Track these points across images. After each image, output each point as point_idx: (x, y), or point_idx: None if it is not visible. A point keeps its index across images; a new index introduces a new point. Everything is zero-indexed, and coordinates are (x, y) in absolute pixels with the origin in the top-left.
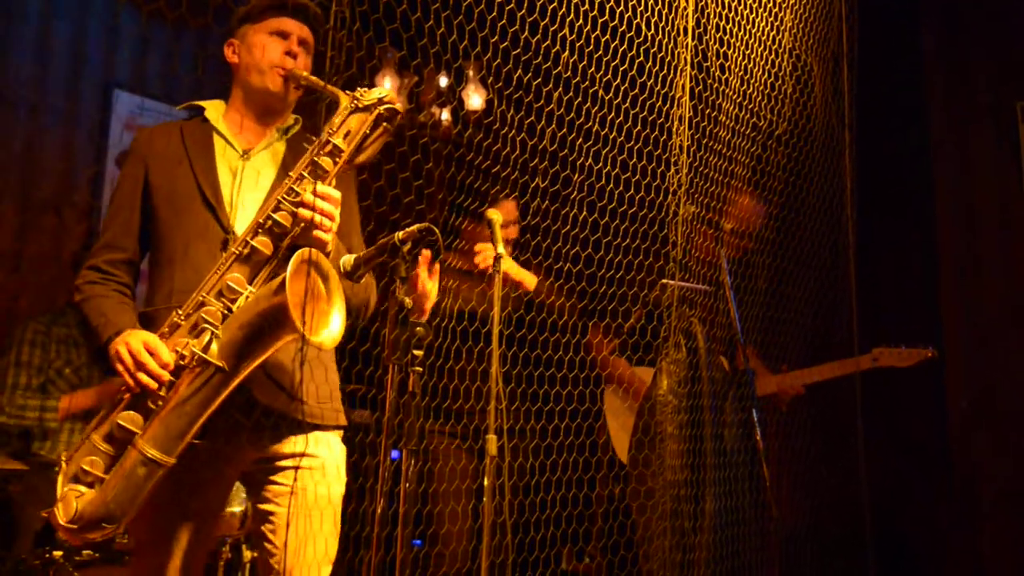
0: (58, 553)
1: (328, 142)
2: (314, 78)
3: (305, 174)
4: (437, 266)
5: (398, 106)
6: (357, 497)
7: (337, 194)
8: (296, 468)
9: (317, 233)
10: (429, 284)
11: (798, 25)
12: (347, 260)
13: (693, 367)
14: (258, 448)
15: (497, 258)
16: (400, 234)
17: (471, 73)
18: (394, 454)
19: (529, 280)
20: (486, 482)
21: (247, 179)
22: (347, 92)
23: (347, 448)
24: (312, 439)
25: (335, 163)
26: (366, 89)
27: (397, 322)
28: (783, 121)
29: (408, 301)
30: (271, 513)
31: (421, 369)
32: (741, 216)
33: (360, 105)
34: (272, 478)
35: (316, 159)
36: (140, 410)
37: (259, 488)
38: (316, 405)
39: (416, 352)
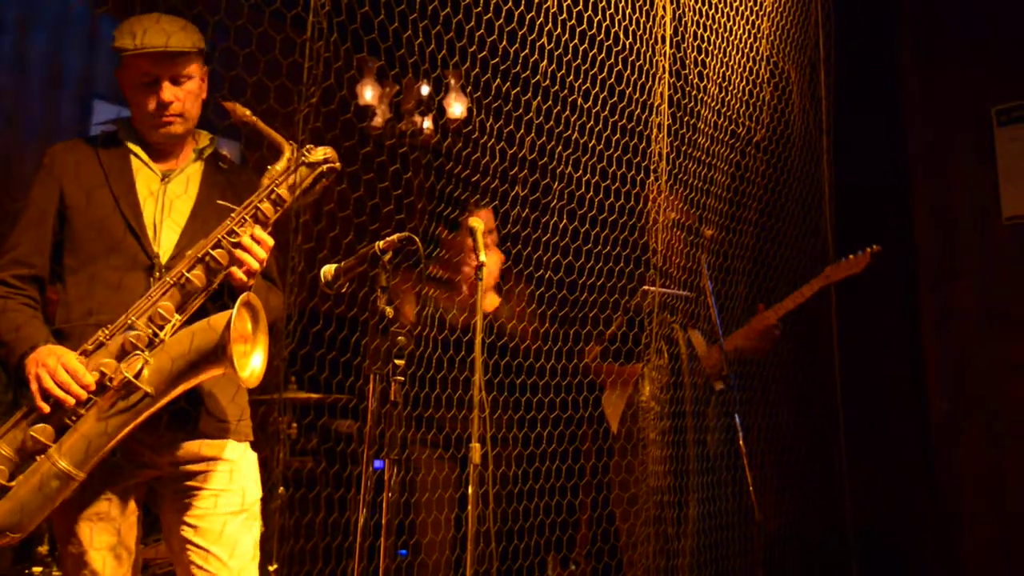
0: (37, 569)
1: (273, 191)
2: (255, 122)
3: (247, 218)
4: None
5: (337, 166)
6: (339, 507)
7: (271, 241)
8: (211, 471)
9: (238, 273)
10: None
11: (775, 32)
12: (327, 270)
13: (675, 373)
14: (171, 451)
15: (480, 267)
16: (380, 244)
17: (451, 82)
18: (376, 464)
19: (489, 302)
20: (470, 491)
21: (167, 203)
22: (291, 143)
23: (330, 458)
24: (230, 445)
25: (276, 211)
26: (312, 147)
27: (378, 332)
28: (761, 128)
29: (389, 311)
30: (191, 511)
31: (403, 379)
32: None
33: (307, 161)
34: (192, 482)
35: (259, 205)
36: (52, 423)
37: (180, 493)
38: (227, 414)
39: (397, 362)
